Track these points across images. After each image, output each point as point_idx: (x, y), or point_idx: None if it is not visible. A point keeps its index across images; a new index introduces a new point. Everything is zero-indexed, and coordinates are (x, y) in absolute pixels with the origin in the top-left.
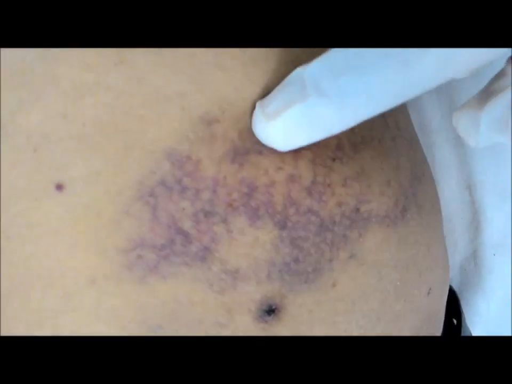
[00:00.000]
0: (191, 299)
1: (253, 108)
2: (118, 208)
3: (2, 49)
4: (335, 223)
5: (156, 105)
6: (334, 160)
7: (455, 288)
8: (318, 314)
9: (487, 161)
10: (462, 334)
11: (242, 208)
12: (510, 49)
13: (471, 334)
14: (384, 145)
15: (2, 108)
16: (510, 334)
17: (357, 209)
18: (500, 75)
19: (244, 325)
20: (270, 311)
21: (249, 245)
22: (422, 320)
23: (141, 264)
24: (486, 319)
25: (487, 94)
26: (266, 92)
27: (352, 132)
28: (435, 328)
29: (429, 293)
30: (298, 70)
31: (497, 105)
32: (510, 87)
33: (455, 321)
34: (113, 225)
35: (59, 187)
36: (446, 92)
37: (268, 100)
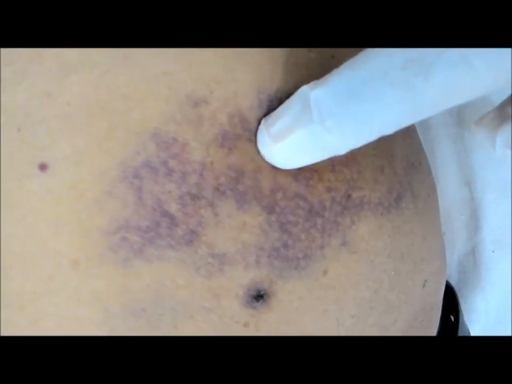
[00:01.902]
0: (176, 282)
1: (244, 89)
2: (101, 189)
3: None
4: (325, 209)
5: (142, 84)
6: None
7: (454, 285)
8: (308, 302)
9: (487, 157)
10: (460, 332)
11: (230, 192)
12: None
13: (468, 331)
14: None
15: None
16: (508, 332)
17: (349, 195)
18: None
19: (231, 310)
20: (259, 296)
21: (237, 228)
22: (416, 312)
23: (125, 246)
24: (484, 317)
25: (501, 116)
26: (258, 72)
27: None
28: (430, 323)
29: (424, 285)
30: (304, 90)
31: (509, 132)
32: None
33: (452, 318)
34: (97, 207)
35: (42, 167)
36: None
37: (273, 119)
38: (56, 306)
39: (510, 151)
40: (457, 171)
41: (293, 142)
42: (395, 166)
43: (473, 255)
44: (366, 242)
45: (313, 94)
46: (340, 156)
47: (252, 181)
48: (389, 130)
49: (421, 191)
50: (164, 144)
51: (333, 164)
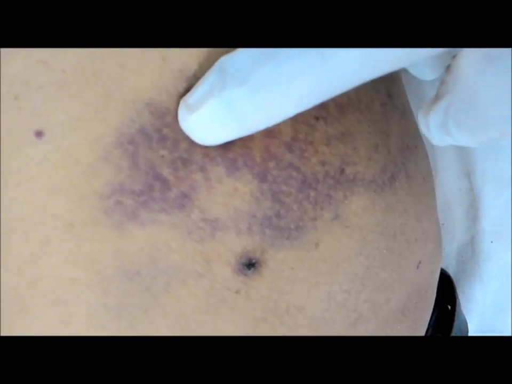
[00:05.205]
0: (169, 246)
1: None
2: (97, 155)
3: None
4: (318, 181)
5: (136, 53)
6: (317, 119)
7: (452, 275)
8: (299, 272)
9: (486, 148)
10: (457, 321)
11: (220, 158)
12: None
13: (465, 320)
14: (373, 109)
15: None
16: (507, 322)
17: (342, 170)
18: (442, 82)
19: (223, 276)
20: (250, 264)
21: (228, 194)
22: (410, 293)
23: (119, 210)
24: (482, 307)
25: (434, 99)
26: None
27: None
28: (425, 305)
29: (418, 266)
30: (222, 59)
31: (438, 110)
32: (447, 94)
33: (449, 307)
34: (92, 172)
35: (38, 134)
36: None
37: (190, 91)
38: (52, 268)
39: (445, 137)
40: (457, 162)
41: (208, 111)
42: (389, 146)
43: (471, 245)
44: (358, 218)
45: (227, 60)
46: (335, 131)
47: (241, 149)
48: (305, 103)
49: (416, 174)
50: (158, 113)
51: (329, 138)
